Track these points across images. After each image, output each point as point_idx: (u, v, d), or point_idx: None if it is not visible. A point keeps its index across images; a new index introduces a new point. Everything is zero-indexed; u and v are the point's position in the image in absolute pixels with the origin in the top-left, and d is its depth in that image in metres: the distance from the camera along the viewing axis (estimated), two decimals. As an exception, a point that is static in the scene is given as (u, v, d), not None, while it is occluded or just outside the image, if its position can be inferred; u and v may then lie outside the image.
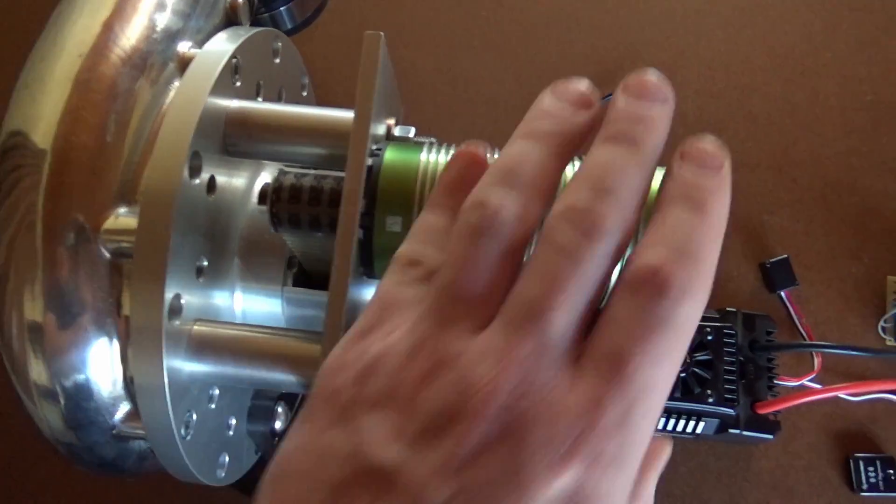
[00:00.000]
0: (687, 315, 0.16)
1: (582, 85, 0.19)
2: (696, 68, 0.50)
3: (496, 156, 0.21)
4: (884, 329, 0.44)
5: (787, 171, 0.47)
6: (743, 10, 0.51)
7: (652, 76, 0.18)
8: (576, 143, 0.19)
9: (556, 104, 0.19)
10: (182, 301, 0.26)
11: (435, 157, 0.25)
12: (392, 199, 0.24)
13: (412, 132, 0.28)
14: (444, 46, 0.51)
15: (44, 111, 0.25)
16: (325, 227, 0.26)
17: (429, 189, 0.25)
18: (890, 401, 0.42)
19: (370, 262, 0.25)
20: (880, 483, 0.41)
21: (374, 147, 0.25)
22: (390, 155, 0.25)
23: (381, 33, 0.24)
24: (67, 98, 0.25)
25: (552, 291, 0.16)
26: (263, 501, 0.18)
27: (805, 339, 0.43)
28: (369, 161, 0.25)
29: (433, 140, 0.27)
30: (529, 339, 0.16)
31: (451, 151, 0.26)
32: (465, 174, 0.20)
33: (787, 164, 0.48)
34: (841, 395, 0.42)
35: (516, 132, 0.19)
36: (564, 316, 0.16)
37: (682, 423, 0.40)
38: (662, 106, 0.18)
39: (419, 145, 0.26)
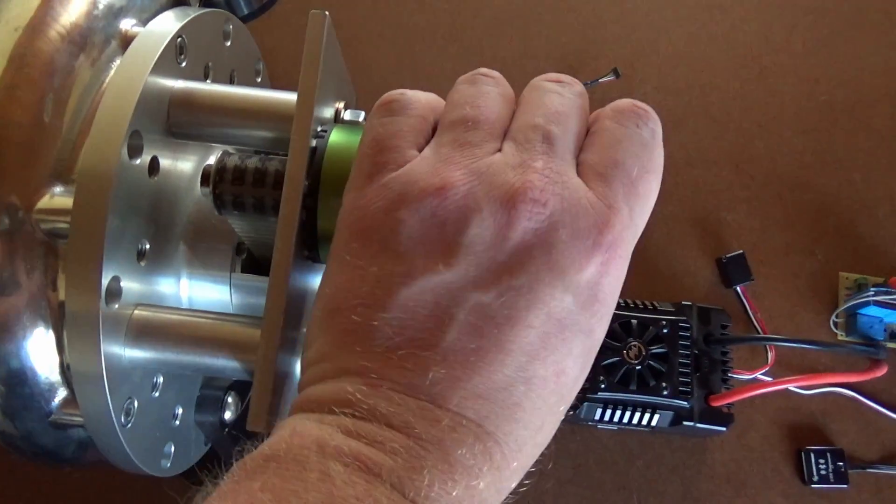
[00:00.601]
0: (660, 137, 0.20)
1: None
2: (657, 65, 0.50)
3: None
4: (836, 324, 0.44)
5: (743, 168, 0.48)
6: (704, 10, 0.52)
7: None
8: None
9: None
10: (121, 284, 0.25)
11: None
12: (336, 180, 0.24)
13: (362, 116, 0.27)
14: (406, 40, 0.51)
15: (-24, 87, 0.24)
16: (269, 209, 0.26)
17: None
18: (841, 394, 0.43)
19: (314, 246, 0.25)
20: (830, 475, 0.41)
21: (319, 129, 0.25)
22: (336, 137, 0.25)
23: (326, 12, 0.24)
24: (2, 74, 0.24)
25: (552, 116, 0.20)
26: (319, 338, 0.19)
27: (759, 333, 0.44)
28: (314, 142, 0.24)
29: (381, 124, 0.26)
30: (542, 152, 0.19)
31: None
32: None
33: (743, 161, 0.48)
34: (793, 388, 0.42)
35: None
36: (565, 134, 0.20)
37: (637, 415, 0.40)
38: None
39: (367, 128, 0.26)
